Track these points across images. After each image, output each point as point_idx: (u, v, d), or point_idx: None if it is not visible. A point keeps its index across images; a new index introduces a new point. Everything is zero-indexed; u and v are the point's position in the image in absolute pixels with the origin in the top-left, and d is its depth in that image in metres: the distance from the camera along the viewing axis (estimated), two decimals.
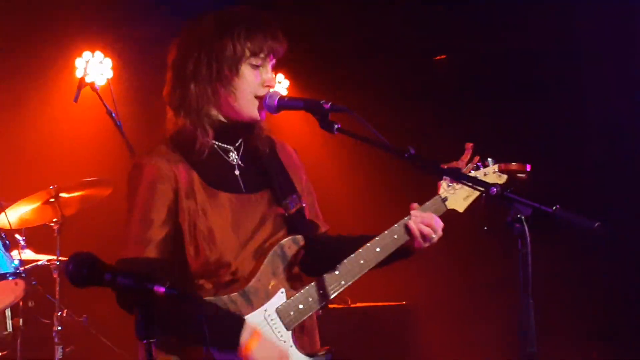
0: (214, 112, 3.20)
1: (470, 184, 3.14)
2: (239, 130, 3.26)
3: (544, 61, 7.26)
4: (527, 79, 7.32)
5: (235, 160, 3.25)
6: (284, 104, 3.22)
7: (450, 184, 3.39)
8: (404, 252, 3.34)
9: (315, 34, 7.83)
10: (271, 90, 3.22)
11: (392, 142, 3.18)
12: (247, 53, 3.15)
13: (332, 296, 3.25)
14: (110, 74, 7.44)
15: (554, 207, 2.80)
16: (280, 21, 3.27)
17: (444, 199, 3.38)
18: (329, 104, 3.15)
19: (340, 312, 6.84)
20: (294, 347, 3.18)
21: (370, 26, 8.07)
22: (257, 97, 3.19)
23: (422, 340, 7.25)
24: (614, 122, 6.99)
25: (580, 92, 7.05)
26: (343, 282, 3.24)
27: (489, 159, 3.43)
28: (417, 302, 7.25)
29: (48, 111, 7.54)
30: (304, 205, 3.32)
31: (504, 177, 3.42)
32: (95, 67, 7.38)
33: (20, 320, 6.13)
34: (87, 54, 7.47)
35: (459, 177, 3.16)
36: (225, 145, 3.25)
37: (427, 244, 3.29)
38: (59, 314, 6.11)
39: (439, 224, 3.29)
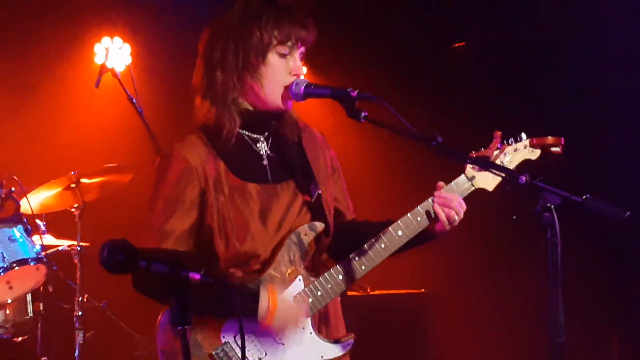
0: (241, 100, 3.19)
1: (499, 173, 3.12)
2: (268, 119, 3.25)
3: (562, 48, 7.22)
4: (546, 65, 7.28)
5: (263, 150, 3.24)
6: (310, 91, 3.19)
7: (477, 161, 3.28)
8: (426, 236, 3.30)
9: (332, 20, 7.81)
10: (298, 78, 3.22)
11: (417, 130, 3.17)
12: (274, 41, 3.13)
13: (352, 283, 3.23)
14: (129, 60, 7.45)
15: (584, 197, 2.78)
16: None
17: (471, 178, 3.32)
18: (356, 92, 3.13)
19: (359, 299, 6.85)
20: (313, 333, 3.18)
21: (387, 13, 8.05)
22: (284, 86, 3.17)
23: (441, 328, 7.25)
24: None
25: (604, 77, 6.99)
26: (364, 268, 3.22)
27: (522, 134, 3.36)
28: (436, 290, 7.25)
29: (69, 97, 7.57)
30: (320, 192, 3.30)
31: (537, 151, 3.36)
32: (114, 52, 7.39)
33: (41, 305, 6.19)
34: (106, 40, 7.48)
35: (487, 165, 3.14)
36: (255, 135, 3.25)
37: (449, 227, 3.24)
38: (79, 299, 6.15)
39: (462, 206, 3.24)
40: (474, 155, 3.30)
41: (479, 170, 3.31)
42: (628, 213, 2.77)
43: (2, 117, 7.18)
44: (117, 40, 7.51)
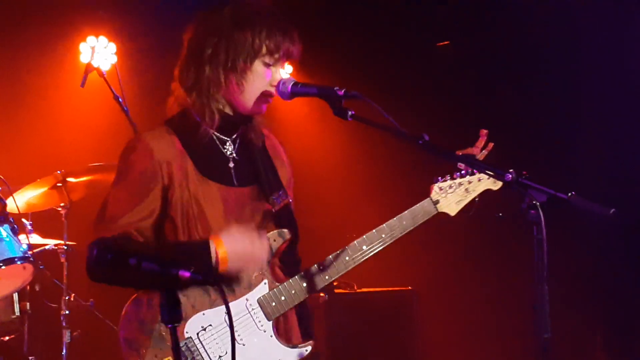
0: (222, 99, 3.25)
1: (485, 171, 3.15)
2: (239, 122, 3.32)
3: (549, 46, 7.25)
4: (532, 64, 7.31)
5: (230, 153, 3.31)
6: (297, 90, 3.26)
7: (442, 187, 3.44)
8: None
9: (318, 19, 7.82)
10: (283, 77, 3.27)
11: (404, 129, 3.19)
12: (264, 50, 3.21)
13: (314, 291, 3.31)
14: (114, 59, 7.44)
15: (570, 194, 2.81)
16: (281, 7, 3.31)
17: (436, 202, 3.43)
18: (343, 91, 3.18)
19: (345, 297, 6.88)
20: (274, 337, 3.26)
21: (372, 12, 8.06)
22: (262, 94, 3.25)
23: (428, 326, 7.28)
24: (631, 106, 6.96)
25: (590, 77, 7.03)
26: (327, 277, 3.31)
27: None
28: (422, 287, 7.27)
29: (54, 96, 7.55)
30: (291, 200, 3.39)
31: (499, 183, 3.42)
32: (100, 52, 7.38)
33: (28, 304, 6.17)
34: (91, 39, 7.47)
35: (473, 163, 3.17)
36: (223, 137, 3.31)
37: None
38: (66, 298, 6.14)
39: None
40: (460, 154, 3.33)
41: (445, 195, 3.43)
42: (613, 210, 2.80)
43: None
44: (103, 39, 7.50)
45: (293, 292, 3.26)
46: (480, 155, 3.39)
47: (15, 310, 6.12)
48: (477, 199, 3.42)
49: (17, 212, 5.96)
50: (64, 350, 6.04)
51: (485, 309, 7.43)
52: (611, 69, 6.96)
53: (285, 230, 3.29)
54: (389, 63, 8.11)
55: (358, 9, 8.08)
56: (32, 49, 7.41)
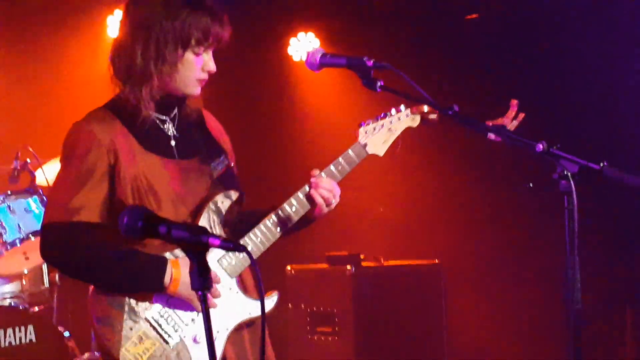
0: (155, 87, 3.25)
1: (517, 142, 3.13)
2: (174, 101, 3.35)
3: (581, 17, 7.17)
4: (563, 36, 7.24)
5: (170, 131, 3.34)
6: (326, 61, 3.27)
7: (368, 130, 3.50)
8: (305, 222, 3.45)
9: None
10: (314, 47, 3.26)
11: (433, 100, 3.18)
12: (193, 41, 3.21)
13: (269, 244, 3.35)
14: None
15: (602, 164, 2.79)
16: None
17: (364, 145, 3.48)
18: (372, 61, 3.19)
19: (372, 270, 6.87)
20: (240, 292, 3.32)
21: None
22: (196, 80, 3.27)
23: (455, 299, 7.27)
24: None
25: (625, 48, 6.94)
26: (279, 230, 3.36)
27: (402, 105, 3.52)
28: (449, 261, 7.25)
29: (84, 68, 7.56)
30: (232, 164, 3.46)
31: (417, 118, 3.51)
32: None
33: (57, 275, 6.23)
34: (119, 13, 7.48)
35: (504, 134, 3.15)
36: (162, 117, 3.34)
37: (326, 210, 3.39)
38: None
39: (338, 190, 3.39)
40: (491, 124, 3.30)
41: (371, 136, 3.49)
42: None
43: (17, 88, 7.19)
44: None
45: (249, 248, 3.30)
46: (511, 126, 3.37)
47: (45, 282, 6.19)
48: (400, 138, 3.50)
49: (46, 184, 6.01)
50: None
51: (514, 282, 7.39)
52: None
53: (231, 192, 3.35)
54: (418, 36, 8.06)
55: None
56: (60, 22, 7.44)
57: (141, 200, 3.19)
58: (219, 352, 3.22)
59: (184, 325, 3.23)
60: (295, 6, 8.13)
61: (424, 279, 6.99)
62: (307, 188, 3.37)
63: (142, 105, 3.23)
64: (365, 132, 3.49)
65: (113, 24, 7.45)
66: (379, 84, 3.15)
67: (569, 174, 2.79)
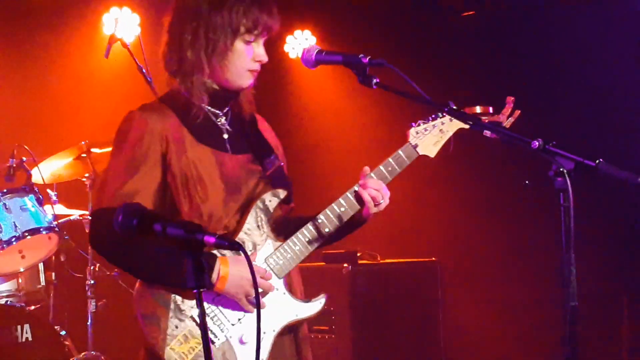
0: (208, 80, 3.28)
1: (513, 139, 3.12)
2: (228, 96, 3.36)
3: (577, 15, 7.18)
4: (559, 34, 7.24)
5: (223, 124, 3.36)
6: (322, 58, 3.26)
7: (419, 131, 3.48)
8: (355, 223, 3.43)
9: None
10: (310, 44, 3.27)
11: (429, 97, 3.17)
12: (242, 29, 3.24)
13: (318, 245, 3.35)
14: (138, 30, 7.44)
15: (597, 161, 2.78)
16: None
17: (415, 146, 3.47)
18: (368, 58, 3.18)
19: (369, 267, 6.87)
20: (287, 293, 3.31)
21: None
22: (248, 71, 3.29)
23: (452, 296, 7.28)
24: None
25: (620, 46, 6.95)
26: (327, 230, 3.34)
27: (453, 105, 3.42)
28: (447, 258, 7.26)
29: (79, 67, 7.56)
30: (282, 164, 3.46)
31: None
32: (123, 23, 7.37)
33: (53, 274, 6.24)
34: (114, 10, 7.48)
35: (500, 131, 3.14)
36: (216, 111, 3.35)
37: (375, 210, 3.37)
38: (91, 268, 6.18)
39: (387, 191, 3.38)
40: (486, 121, 3.30)
41: (422, 138, 3.47)
42: None
43: (12, 87, 7.18)
44: (126, 10, 7.51)
45: (297, 248, 3.31)
46: (507, 123, 3.38)
47: (41, 280, 6.19)
48: (452, 142, 3.48)
49: (42, 182, 6.00)
50: (89, 320, 6.10)
51: (511, 279, 7.40)
52: None
53: (280, 190, 3.34)
54: (414, 33, 8.07)
55: None
56: (56, 20, 7.42)
57: (189, 190, 3.18)
58: (265, 354, 3.21)
59: (230, 325, 3.21)
60: (292, 4, 8.13)
61: (421, 277, 6.99)
62: (355, 188, 3.37)
63: (194, 96, 3.25)
64: (417, 133, 3.48)
65: (108, 22, 7.43)
66: (374, 81, 3.14)
67: (565, 171, 2.78)
